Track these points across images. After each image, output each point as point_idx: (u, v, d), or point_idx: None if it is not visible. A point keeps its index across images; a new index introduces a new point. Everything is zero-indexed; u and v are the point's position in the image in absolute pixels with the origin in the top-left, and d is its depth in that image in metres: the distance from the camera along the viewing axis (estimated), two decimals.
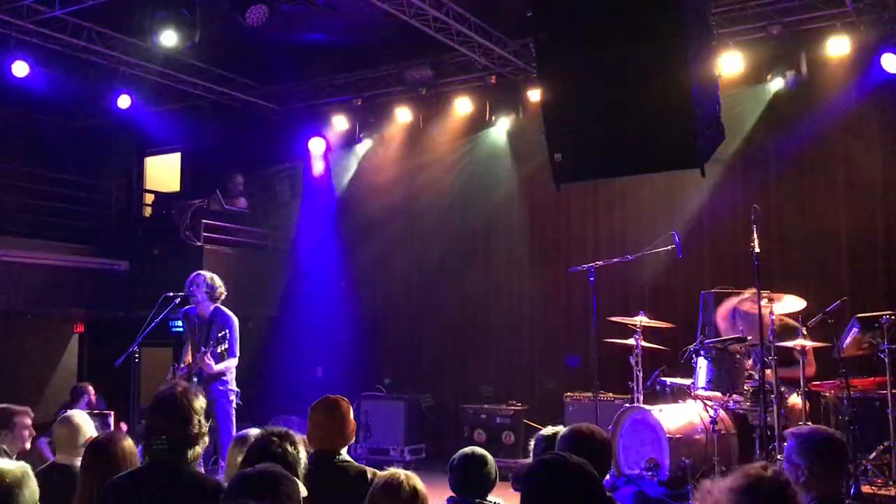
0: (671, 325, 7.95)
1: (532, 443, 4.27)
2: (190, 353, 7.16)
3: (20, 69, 9.44)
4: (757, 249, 6.41)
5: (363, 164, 11.47)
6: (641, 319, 7.71)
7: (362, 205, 11.39)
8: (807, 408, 6.75)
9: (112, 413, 7.10)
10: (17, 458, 4.46)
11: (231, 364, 6.94)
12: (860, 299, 7.76)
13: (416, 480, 3.19)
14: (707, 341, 7.17)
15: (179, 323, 7.72)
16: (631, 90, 4.67)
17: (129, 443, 3.82)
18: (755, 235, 6.48)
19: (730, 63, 8.61)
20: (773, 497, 2.50)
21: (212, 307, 7.10)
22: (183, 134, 12.03)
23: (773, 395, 6.51)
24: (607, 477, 4.67)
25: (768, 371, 6.46)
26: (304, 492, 2.85)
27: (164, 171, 13.08)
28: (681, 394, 7.62)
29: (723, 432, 7.06)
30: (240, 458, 3.79)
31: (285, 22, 8.44)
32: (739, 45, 8.73)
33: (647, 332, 7.76)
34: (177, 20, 7.58)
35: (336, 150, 11.53)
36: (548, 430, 4.20)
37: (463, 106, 10.42)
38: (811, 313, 6.88)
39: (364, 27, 9.19)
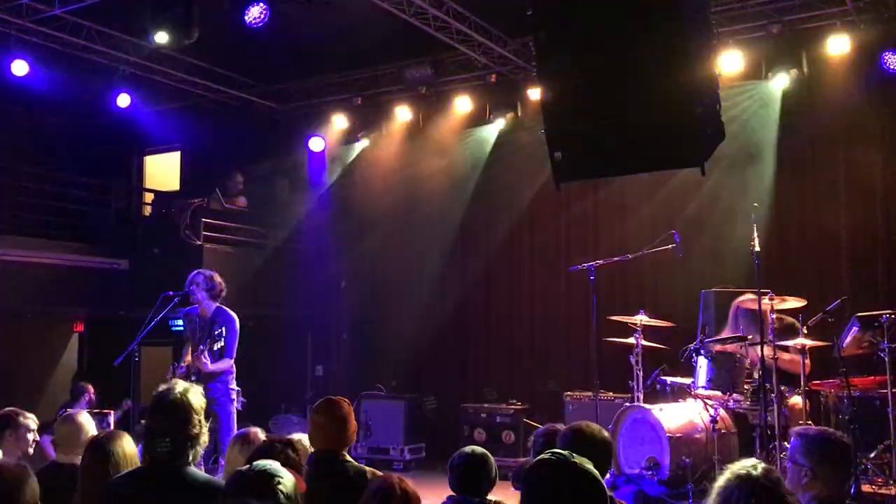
0: (671, 325, 7.95)
1: (531, 440, 4.27)
2: (190, 353, 7.15)
3: (19, 68, 9.42)
4: (757, 249, 6.40)
5: (363, 162, 11.46)
6: (642, 318, 7.71)
7: (362, 203, 11.37)
8: (807, 407, 6.75)
9: (112, 412, 7.11)
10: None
11: (226, 364, 6.92)
12: (860, 299, 7.75)
13: (407, 484, 3.18)
14: (707, 340, 7.18)
15: (180, 322, 7.71)
16: (631, 89, 4.65)
17: (129, 442, 3.82)
18: (755, 235, 6.48)
19: (730, 62, 8.60)
20: (764, 494, 2.50)
21: (214, 306, 7.10)
22: (183, 133, 12.03)
23: (773, 395, 6.51)
24: (607, 476, 4.67)
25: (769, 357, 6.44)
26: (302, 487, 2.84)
27: (163, 170, 13.08)
28: (681, 393, 7.62)
29: (723, 431, 7.06)
30: (240, 456, 3.79)
31: (285, 21, 8.44)
32: (739, 44, 8.72)
33: (648, 331, 7.76)
34: (172, 19, 7.57)
35: (336, 148, 11.53)
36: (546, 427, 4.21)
37: (463, 105, 10.41)
38: (811, 313, 6.88)
39: (364, 26, 9.18)
